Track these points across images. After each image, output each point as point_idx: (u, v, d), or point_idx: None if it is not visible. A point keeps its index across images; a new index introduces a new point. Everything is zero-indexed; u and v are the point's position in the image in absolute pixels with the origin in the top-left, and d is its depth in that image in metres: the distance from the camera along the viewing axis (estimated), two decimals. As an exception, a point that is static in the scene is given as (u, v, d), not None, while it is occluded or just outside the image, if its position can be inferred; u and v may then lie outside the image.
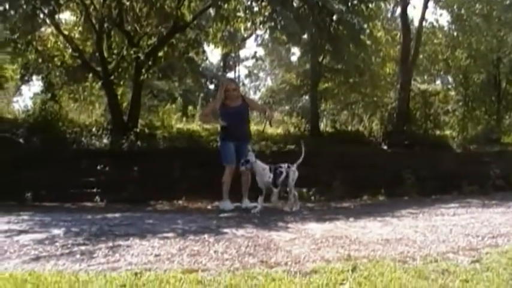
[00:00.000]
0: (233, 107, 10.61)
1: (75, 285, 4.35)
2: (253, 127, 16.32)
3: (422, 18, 19.87)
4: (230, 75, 51.57)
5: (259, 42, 16.88)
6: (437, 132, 19.33)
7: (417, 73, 22.04)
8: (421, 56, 20.93)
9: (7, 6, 11.84)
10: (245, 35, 24.66)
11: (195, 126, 17.22)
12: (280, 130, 18.40)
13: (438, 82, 26.81)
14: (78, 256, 5.48)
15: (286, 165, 10.24)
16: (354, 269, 4.93)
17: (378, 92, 20.97)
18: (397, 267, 5.06)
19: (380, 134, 18.16)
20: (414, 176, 14.36)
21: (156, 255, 5.51)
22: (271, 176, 9.89)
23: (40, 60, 16.86)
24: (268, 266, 5.11)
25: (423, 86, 21.78)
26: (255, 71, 58.53)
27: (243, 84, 59.02)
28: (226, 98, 10.68)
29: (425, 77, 25.25)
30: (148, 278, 4.58)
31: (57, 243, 6.10)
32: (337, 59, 17.25)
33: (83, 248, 5.87)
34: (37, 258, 5.42)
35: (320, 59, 18.62)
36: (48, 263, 5.21)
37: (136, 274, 4.68)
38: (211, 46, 20.00)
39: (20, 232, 6.97)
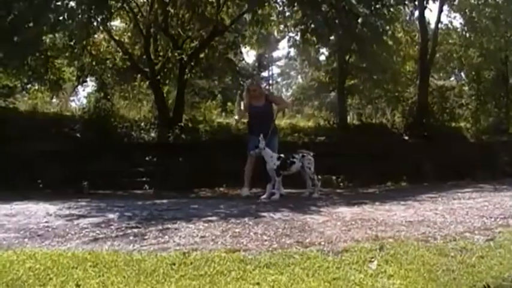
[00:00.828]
0: (257, 106, 10.51)
1: (129, 264, 4.39)
2: (286, 120, 16.37)
3: (438, 20, 19.72)
4: (264, 74, 51.64)
5: (291, 43, 16.74)
6: (453, 124, 19.21)
7: (434, 70, 21.76)
8: (437, 55, 20.69)
9: (65, 16, 11.95)
10: (278, 37, 24.64)
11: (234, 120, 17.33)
12: (311, 123, 18.36)
13: (453, 78, 26.54)
14: (131, 238, 5.52)
15: (300, 154, 10.14)
16: (381, 248, 4.92)
17: (399, 87, 20.84)
18: (420, 246, 5.06)
19: (401, 126, 18.06)
20: (433, 164, 14.36)
21: (201, 237, 5.53)
22: (277, 164, 9.75)
23: (94, 63, 17.07)
24: (303, 246, 5.10)
25: (440, 82, 21.69)
26: (287, 70, 58.47)
27: (276, 82, 59.06)
28: (251, 98, 10.65)
29: (442, 74, 24.99)
30: (195, 257, 4.60)
31: (112, 226, 6.15)
32: (362, 58, 17.22)
33: (135, 230, 5.91)
34: (95, 240, 5.46)
35: (346, 58, 18.57)
36: (105, 243, 5.26)
37: (184, 254, 4.70)
38: (248, 48, 20.08)
39: (79, 216, 7.03)
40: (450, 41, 22.22)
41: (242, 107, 11.37)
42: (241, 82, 20.23)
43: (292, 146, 13.11)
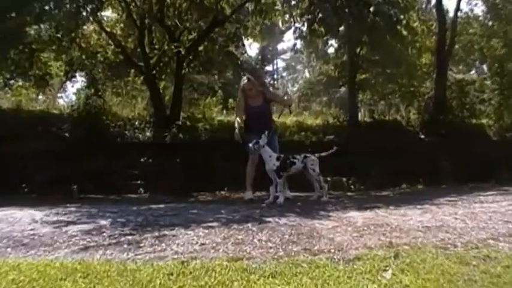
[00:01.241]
0: (254, 107, 10.51)
1: (123, 274, 4.37)
2: (292, 118, 16.33)
3: (458, 8, 19.71)
4: (268, 68, 51.67)
5: (297, 35, 16.59)
6: (474, 121, 19.16)
7: (453, 63, 21.75)
8: (456, 46, 20.65)
9: (52, 6, 11.92)
10: (283, 28, 24.63)
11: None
12: (319, 121, 18.33)
13: (473, 72, 26.50)
14: (125, 246, 5.50)
15: (302, 155, 10.08)
16: (396, 256, 4.89)
17: (415, 82, 20.81)
18: (439, 254, 5.01)
19: (417, 123, 18.04)
20: (452, 165, 14.33)
21: (201, 244, 5.51)
22: (277, 164, 9.68)
23: (83, 56, 17.01)
24: (311, 254, 5.08)
25: (459, 76, 21.63)
26: (293, 64, 58.51)
27: (281, 77, 59.14)
28: (248, 98, 10.58)
29: (461, 67, 24.98)
30: (194, 266, 4.58)
31: (104, 234, 6.13)
32: (374, 50, 17.21)
33: (129, 238, 5.89)
34: (86, 248, 5.44)
35: (357, 50, 18.55)
36: (97, 252, 5.24)
37: (182, 263, 4.68)
38: (250, 40, 20.02)
39: (68, 223, 7.01)
40: (471, 31, 22.13)
41: (236, 111, 11.20)
42: (243, 77, 20.34)
43: (298, 145, 13.12)
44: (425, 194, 11.34)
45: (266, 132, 9.72)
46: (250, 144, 9.79)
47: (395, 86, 21.58)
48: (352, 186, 13.45)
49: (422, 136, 16.96)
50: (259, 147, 9.72)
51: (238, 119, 10.63)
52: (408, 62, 19.95)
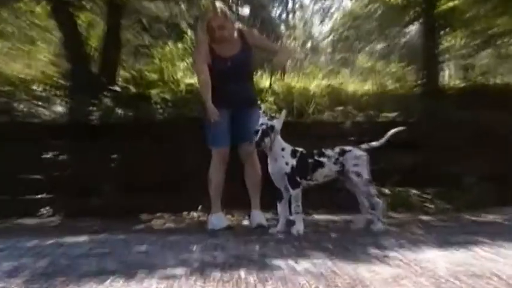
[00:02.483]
0: (227, 58, 10.31)
1: None
2: (319, 82, 16.29)
3: None
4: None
5: None
6: None
7: None
8: None
9: None
10: None
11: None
12: (368, 86, 18.19)
13: None
14: (15, 311, 5.50)
15: (337, 149, 9.85)
16: (510, 333, 4.88)
17: (548, 13, 20.75)
18: None
19: (552, 90, 17.89)
20: None
21: (154, 307, 5.52)
22: (293, 164, 9.41)
23: None
24: (354, 326, 5.08)
25: None
26: (321, -15, 58.64)
27: (300, 7, 59.16)
28: (213, 41, 10.34)
29: None
30: None
31: (-24, 290, 6.12)
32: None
33: (22, 298, 5.89)
34: None
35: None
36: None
37: None
38: None
39: None
40: None
41: (200, 65, 10.50)
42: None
43: (331, 130, 13.10)
44: None
45: (261, 112, 9.61)
46: (253, 143, 9.54)
47: (510, 23, 21.45)
48: (429, 205, 13.41)
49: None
50: (268, 142, 9.42)
51: (205, 77, 10.31)
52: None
